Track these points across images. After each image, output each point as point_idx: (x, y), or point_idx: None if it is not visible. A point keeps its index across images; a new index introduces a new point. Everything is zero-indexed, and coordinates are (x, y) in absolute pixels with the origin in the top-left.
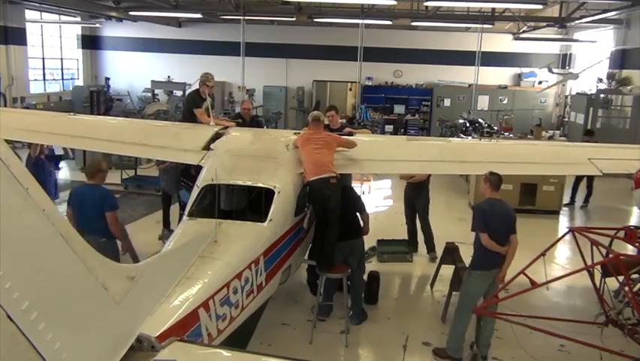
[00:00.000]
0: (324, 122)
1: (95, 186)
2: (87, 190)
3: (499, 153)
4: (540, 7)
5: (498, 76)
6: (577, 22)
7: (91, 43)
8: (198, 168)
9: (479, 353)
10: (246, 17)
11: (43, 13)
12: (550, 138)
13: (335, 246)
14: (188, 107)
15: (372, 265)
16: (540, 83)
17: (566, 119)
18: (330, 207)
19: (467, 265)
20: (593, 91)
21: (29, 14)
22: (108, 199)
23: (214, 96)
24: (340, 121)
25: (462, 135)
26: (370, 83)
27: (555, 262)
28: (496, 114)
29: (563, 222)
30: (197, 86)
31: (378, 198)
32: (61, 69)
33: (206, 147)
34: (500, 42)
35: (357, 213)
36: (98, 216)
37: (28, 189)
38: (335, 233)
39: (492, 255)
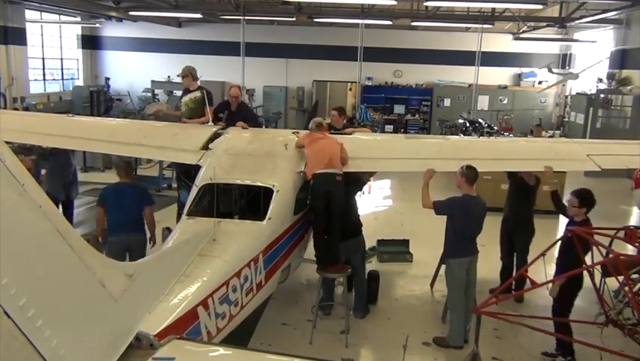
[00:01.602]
0: (326, 128)
1: (132, 184)
2: (125, 188)
3: (498, 150)
4: (540, 7)
5: (498, 76)
6: (577, 22)
7: (91, 43)
8: (198, 168)
9: (479, 353)
10: (246, 17)
11: (43, 13)
12: (551, 138)
13: (339, 244)
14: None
15: (372, 265)
16: (540, 83)
17: (566, 119)
18: (333, 206)
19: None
20: (593, 91)
21: (29, 14)
22: (148, 195)
23: (206, 91)
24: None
25: (462, 135)
26: (370, 83)
27: (555, 262)
28: (496, 114)
29: (563, 222)
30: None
31: (378, 198)
32: (61, 69)
33: (205, 147)
34: (500, 42)
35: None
36: (137, 213)
37: (25, 185)
38: (339, 232)
39: (465, 244)
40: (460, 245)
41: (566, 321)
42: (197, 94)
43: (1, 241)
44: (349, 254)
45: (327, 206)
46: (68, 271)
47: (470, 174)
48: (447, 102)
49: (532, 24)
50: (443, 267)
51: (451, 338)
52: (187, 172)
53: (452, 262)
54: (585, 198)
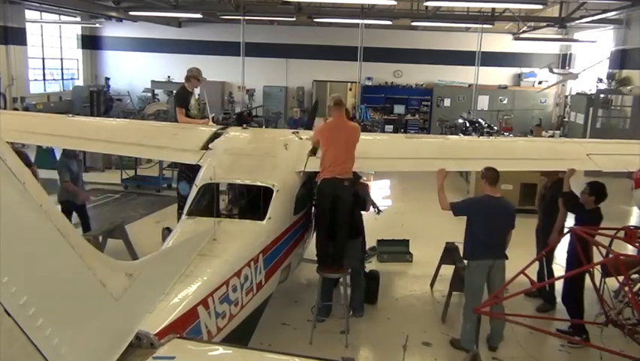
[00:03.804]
0: (345, 106)
1: None
2: None
3: (498, 150)
4: (540, 7)
5: (498, 76)
6: (577, 22)
7: (91, 43)
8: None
9: (479, 353)
10: (246, 17)
11: (43, 13)
12: (550, 138)
13: (345, 246)
14: (174, 104)
15: (372, 265)
16: (540, 83)
17: (566, 119)
18: (339, 208)
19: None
20: (593, 91)
21: (29, 14)
22: None
23: (203, 93)
24: None
25: (462, 135)
26: (370, 83)
27: (555, 262)
28: (496, 114)
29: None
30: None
31: (378, 198)
32: (61, 69)
33: (205, 147)
34: (500, 42)
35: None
36: None
37: (25, 184)
38: (344, 234)
39: (485, 246)
40: (478, 248)
41: (563, 321)
42: (197, 95)
43: (1, 239)
44: (346, 255)
45: (333, 209)
46: (69, 270)
47: (490, 174)
48: (447, 102)
49: (532, 24)
50: (443, 267)
51: (463, 341)
52: (190, 167)
53: (470, 264)
54: (594, 189)
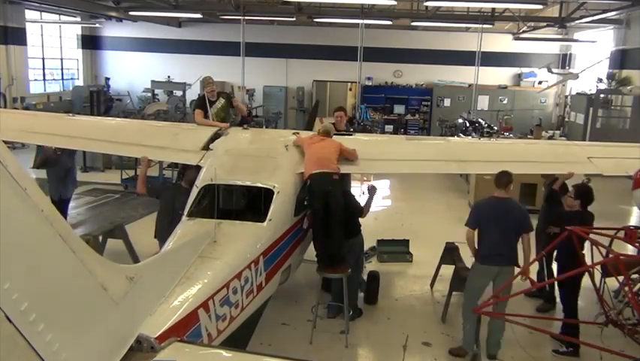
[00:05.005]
0: (331, 136)
1: None
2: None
3: (499, 152)
4: (540, 7)
5: (498, 76)
6: (577, 22)
7: (91, 43)
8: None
9: (479, 353)
10: (246, 17)
11: (43, 13)
12: (550, 138)
13: (343, 244)
14: (193, 109)
15: (372, 265)
16: (540, 83)
17: (566, 119)
18: (331, 205)
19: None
20: (593, 91)
21: (29, 14)
22: None
23: (227, 94)
24: None
25: (462, 135)
26: (370, 83)
27: (555, 262)
28: (496, 114)
29: None
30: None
31: (378, 198)
32: (61, 69)
33: (206, 147)
34: (500, 42)
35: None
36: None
37: (27, 190)
38: (341, 231)
39: (491, 249)
40: (486, 251)
41: (563, 321)
42: (222, 101)
43: (2, 245)
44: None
45: (326, 206)
46: (70, 274)
47: (497, 176)
48: (447, 102)
49: (532, 24)
50: (443, 267)
51: (466, 344)
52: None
53: (474, 266)
54: (579, 192)
